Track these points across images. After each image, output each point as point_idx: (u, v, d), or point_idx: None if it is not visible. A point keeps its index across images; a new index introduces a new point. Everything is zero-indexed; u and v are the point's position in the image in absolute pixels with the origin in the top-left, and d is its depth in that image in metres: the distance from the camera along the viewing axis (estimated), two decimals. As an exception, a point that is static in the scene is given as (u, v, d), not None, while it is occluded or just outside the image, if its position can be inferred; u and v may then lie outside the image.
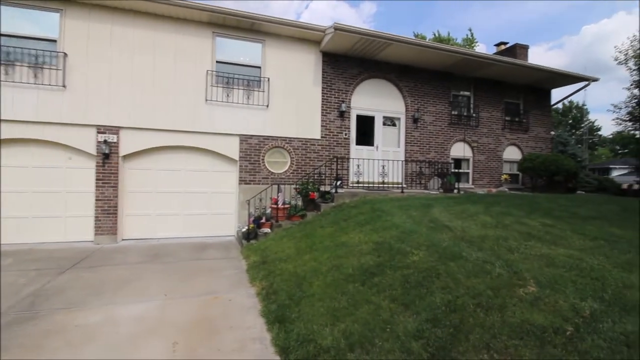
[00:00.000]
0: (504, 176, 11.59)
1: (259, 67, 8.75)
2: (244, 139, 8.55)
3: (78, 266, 5.72)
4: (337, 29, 8.12)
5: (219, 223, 8.50)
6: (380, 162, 9.38)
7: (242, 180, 8.52)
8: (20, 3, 7.09)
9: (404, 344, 2.78)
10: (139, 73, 7.73)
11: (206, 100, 8.20)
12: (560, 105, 33.31)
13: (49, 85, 7.13)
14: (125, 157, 7.73)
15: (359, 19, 65.53)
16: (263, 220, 7.64)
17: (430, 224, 5.36)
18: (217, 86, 8.32)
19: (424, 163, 10.10)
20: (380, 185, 9.09)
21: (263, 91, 8.69)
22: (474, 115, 11.27)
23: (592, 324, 2.58)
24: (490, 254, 4.01)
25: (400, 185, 9.05)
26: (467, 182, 11.16)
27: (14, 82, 6.95)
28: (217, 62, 8.39)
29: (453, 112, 10.94)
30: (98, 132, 7.44)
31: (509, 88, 11.89)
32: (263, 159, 8.71)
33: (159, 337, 3.35)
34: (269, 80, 8.71)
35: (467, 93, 11.40)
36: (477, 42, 28.81)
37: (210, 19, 8.12)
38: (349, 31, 8.26)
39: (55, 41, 7.29)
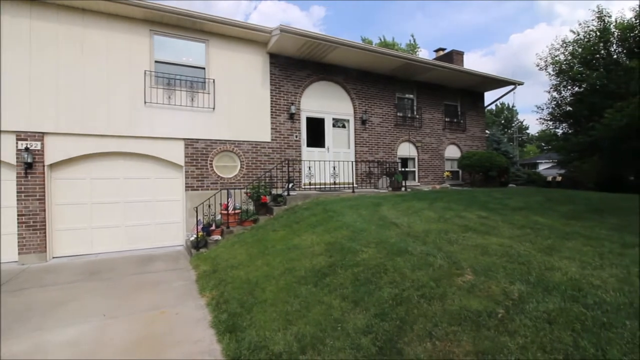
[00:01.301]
0: (446, 173, 12.42)
1: (203, 68, 8.43)
2: (190, 143, 8.17)
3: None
4: (283, 30, 8.11)
5: (166, 233, 8.03)
6: (331, 164, 9.54)
7: (189, 187, 8.13)
8: None
9: (354, 340, 2.84)
10: (66, 73, 7.02)
11: (145, 102, 7.70)
12: (493, 107, 36.64)
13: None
14: (53, 165, 6.98)
15: (309, 22, 66.16)
16: (213, 227, 7.37)
17: (379, 222, 5.56)
18: (157, 87, 7.86)
19: (373, 163, 10.47)
20: (332, 186, 9.24)
21: (208, 93, 8.38)
22: (417, 116, 11.92)
23: (520, 305, 2.85)
24: (433, 247, 4.27)
25: (351, 185, 9.28)
26: (414, 180, 11.78)
27: None
28: (156, 61, 7.92)
29: (399, 114, 11.48)
30: (18, 139, 6.63)
31: (447, 91, 12.78)
32: (211, 164, 8.40)
33: (96, 362, 3.07)
34: (214, 81, 8.42)
35: (410, 96, 12.03)
36: (419, 47, 30.59)
37: (146, 16, 7.64)
38: (295, 33, 8.29)
39: (-41, 36, 6.38)
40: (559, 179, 18.85)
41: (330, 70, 10.11)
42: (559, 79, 18.61)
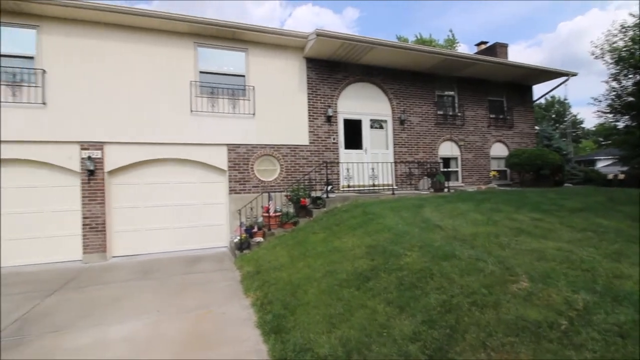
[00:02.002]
0: (493, 173, 11.75)
1: (243, 76, 8.73)
2: (232, 148, 8.49)
3: (66, 287, 5.55)
4: (319, 34, 8.17)
5: (211, 234, 8.39)
6: (369, 165, 9.41)
7: (232, 190, 8.44)
8: None
9: (401, 347, 2.75)
10: (121, 87, 7.62)
11: (191, 111, 8.12)
12: (542, 101, 34.12)
13: (30, 103, 6.98)
14: (111, 172, 7.58)
15: (343, 24, 66.22)
16: (255, 230, 7.57)
17: (422, 225, 5.38)
18: (202, 96, 8.26)
19: (413, 164, 10.18)
20: (371, 188, 9.11)
21: (249, 100, 8.66)
22: (459, 114, 11.42)
23: (586, 317, 2.60)
24: (482, 251, 4.04)
25: (390, 187, 9.10)
26: (457, 180, 11.28)
27: None
28: (200, 72, 8.34)
29: (439, 112, 11.08)
30: (81, 149, 7.30)
31: (491, 86, 12.11)
32: (252, 168, 8.66)
33: (152, 356, 3.26)
34: (254, 88, 8.69)
35: (451, 93, 11.56)
36: (458, 42, 29.35)
37: (191, 30, 8.08)
38: (331, 36, 8.32)
39: (32, 58, 7.16)
40: (621, 177, 17.05)
41: (367, 71, 10.01)
42: (618, 68, 16.88)
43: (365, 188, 9.13)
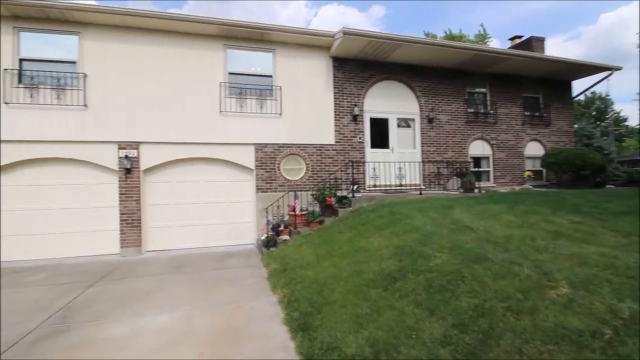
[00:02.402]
0: (527, 173, 11.22)
1: (271, 76, 8.86)
2: (259, 147, 8.64)
3: (105, 279, 5.88)
4: (346, 33, 8.14)
5: (239, 232, 8.59)
6: (396, 165, 9.26)
7: (259, 189, 8.59)
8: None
9: (431, 350, 2.69)
10: (156, 89, 7.97)
11: (220, 111, 8.35)
12: (582, 97, 32.10)
13: (72, 105, 7.45)
14: (146, 171, 7.95)
15: (369, 22, 65.49)
16: (281, 228, 7.66)
17: (451, 226, 5.23)
18: (231, 97, 8.47)
19: (441, 163, 9.92)
20: (397, 188, 8.97)
21: (275, 99, 8.78)
22: (491, 112, 11.00)
23: (633, 326, 2.43)
24: (517, 254, 3.87)
25: (418, 187, 8.92)
26: (488, 180, 10.88)
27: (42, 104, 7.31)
28: (229, 73, 8.55)
29: (469, 110, 10.72)
30: (119, 148, 7.70)
31: (526, 82, 11.56)
32: (279, 167, 8.77)
33: (185, 348, 3.38)
34: (280, 88, 8.79)
35: (482, 90, 11.15)
36: (490, 37, 28.27)
37: (221, 32, 8.30)
38: (358, 35, 8.26)
39: (74, 63, 7.62)
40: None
41: (394, 69, 9.85)
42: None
43: (392, 188, 9.00)
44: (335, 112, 9.25)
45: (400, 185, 8.99)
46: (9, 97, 7.18)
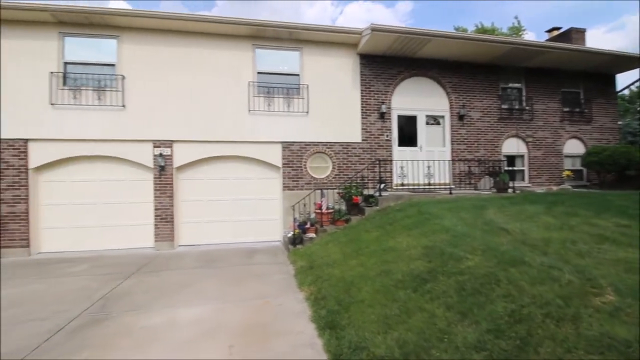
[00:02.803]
0: (566, 172, 10.60)
1: (298, 75, 8.91)
2: (286, 145, 8.73)
3: (141, 271, 6.18)
4: (374, 29, 8.03)
5: (266, 229, 8.74)
6: (425, 163, 9.04)
7: (285, 187, 8.69)
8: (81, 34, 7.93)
9: (464, 355, 2.61)
10: (189, 89, 8.24)
11: (249, 110, 8.51)
12: (627, 92, 29.80)
13: (111, 106, 7.87)
14: (178, 168, 8.25)
15: (395, 18, 64.20)
16: (308, 226, 7.70)
17: (484, 227, 5.04)
18: (259, 96, 8.60)
19: (472, 162, 9.58)
20: (426, 187, 8.76)
21: (302, 98, 8.82)
22: (527, 108, 10.48)
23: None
24: (557, 258, 3.67)
25: (447, 186, 8.66)
26: (523, 180, 10.39)
27: (81, 104, 7.78)
28: (257, 73, 8.68)
29: (503, 106, 10.26)
30: (154, 147, 8.04)
31: (566, 76, 10.91)
32: (305, 165, 8.82)
33: (216, 340, 3.48)
34: (307, 86, 8.82)
35: (517, 85, 10.65)
36: (525, 30, 26.88)
37: (250, 32, 8.44)
38: (387, 31, 8.13)
39: (113, 65, 8.03)
40: None
41: (423, 65, 9.61)
42: None
43: (420, 187, 8.80)
44: (362, 109, 9.16)
45: (429, 184, 8.78)
46: (55, 99, 7.68)
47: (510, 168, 10.09)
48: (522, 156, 10.47)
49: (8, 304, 4.59)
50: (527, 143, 10.42)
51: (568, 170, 10.71)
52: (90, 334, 3.68)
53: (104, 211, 7.99)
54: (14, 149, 7.54)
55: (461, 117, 9.78)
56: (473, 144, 9.87)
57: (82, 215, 7.91)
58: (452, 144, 9.75)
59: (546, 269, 3.37)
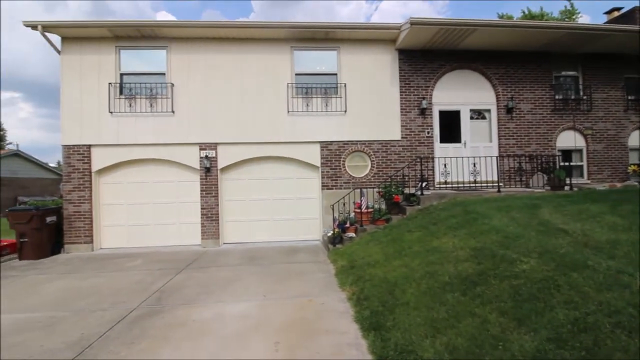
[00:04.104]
0: (632, 167, 9.57)
1: (335, 74, 8.91)
2: (324, 145, 8.76)
3: (190, 267, 6.53)
4: (414, 23, 7.79)
5: (305, 228, 8.85)
6: (469, 160, 8.62)
7: (324, 186, 8.73)
8: (136, 45, 8.53)
9: (522, 365, 2.45)
10: (231, 94, 8.58)
11: (288, 111, 8.65)
12: None
13: (162, 112, 8.39)
14: (222, 169, 8.61)
15: (433, 10, 62.00)
16: (347, 225, 7.67)
17: (539, 227, 4.70)
18: (297, 97, 8.72)
19: (523, 157, 8.97)
20: (471, 185, 8.35)
21: (340, 97, 8.80)
22: (584, 97, 9.61)
23: None
24: (627, 262, 3.32)
25: (495, 184, 8.19)
26: (581, 176, 9.55)
27: (137, 111, 8.38)
28: (296, 74, 8.81)
29: (557, 97, 9.50)
30: (200, 149, 8.46)
31: (630, 61, 9.83)
32: (344, 164, 8.80)
33: (262, 335, 3.58)
34: (345, 85, 8.79)
35: (573, 73, 9.80)
36: (579, 13, 24.66)
37: (287, 35, 8.57)
38: (427, 23, 7.86)
39: (163, 74, 8.55)
40: None
41: (466, 57, 9.16)
42: None
43: (465, 185, 8.40)
44: (401, 106, 8.95)
45: (475, 182, 8.34)
46: (113, 107, 8.34)
47: (566, 163, 9.31)
48: (579, 150, 9.62)
49: (76, 296, 5.07)
50: (585, 136, 9.56)
51: (634, 164, 9.65)
52: (148, 325, 3.95)
53: (156, 210, 8.56)
54: (78, 154, 8.31)
55: (509, 110, 9.20)
56: (523, 139, 9.24)
57: (136, 214, 8.53)
58: (499, 139, 9.21)
59: (614, 274, 3.07)
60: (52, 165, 25.68)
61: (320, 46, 8.88)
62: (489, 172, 8.57)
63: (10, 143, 36.31)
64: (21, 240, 7.57)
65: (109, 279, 5.95)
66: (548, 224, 4.81)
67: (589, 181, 9.43)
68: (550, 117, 9.41)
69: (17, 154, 22.07)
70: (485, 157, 8.60)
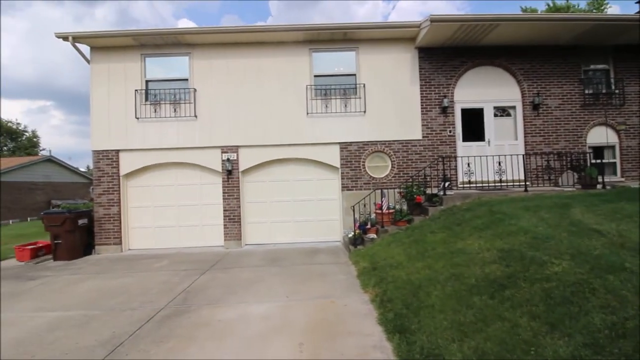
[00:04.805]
0: (671, 163, 9.02)
1: (354, 75, 8.88)
2: (344, 146, 8.75)
3: (214, 268, 6.67)
4: (434, 20, 7.66)
5: (325, 229, 8.85)
6: (494, 159, 8.36)
7: (344, 187, 8.71)
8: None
9: (557, 371, 2.35)
10: (250, 97, 8.71)
11: (307, 113, 8.70)
12: None
13: (185, 117, 8.63)
14: (244, 171, 8.76)
15: (453, 6, 60.73)
16: (368, 226, 7.63)
17: (571, 228, 4.50)
18: (316, 99, 8.75)
19: (551, 155, 8.63)
20: (496, 184, 8.08)
21: (359, 97, 8.76)
22: (616, 91, 9.15)
23: None
24: (670, 265, 3.13)
25: (522, 183, 7.91)
26: (614, 174, 9.08)
27: (162, 117, 8.66)
28: (314, 76, 8.84)
29: (586, 91, 9.09)
30: (222, 152, 8.64)
31: (668, 51, 9.27)
32: (363, 165, 8.75)
33: (286, 336, 3.60)
34: (364, 85, 8.74)
35: (603, 66, 9.35)
36: (607, 3, 23.51)
37: (306, 37, 8.62)
38: (447, 20, 7.71)
39: (186, 80, 8.80)
40: None
41: (489, 53, 8.91)
42: None
43: (489, 184, 8.15)
44: (422, 105, 8.81)
45: (500, 181, 8.06)
46: (139, 113, 8.65)
47: (597, 161, 8.88)
48: (612, 147, 9.16)
49: (107, 295, 5.28)
50: (618, 132, 9.09)
51: (674, 161, 9.09)
52: (175, 324, 4.05)
53: (180, 213, 8.81)
54: (107, 158, 8.67)
55: (536, 107, 8.87)
56: (551, 136, 8.89)
57: (162, 216, 8.81)
58: (525, 137, 8.90)
59: (656, 278, 2.90)
60: (82, 169, 26.90)
61: (339, 47, 8.88)
62: (515, 171, 8.27)
63: (43, 149, 38.41)
64: (55, 241, 7.95)
65: (137, 279, 6.16)
66: (580, 224, 4.60)
67: (622, 179, 8.95)
68: (579, 113, 9.01)
69: (50, 160, 23.28)
70: (511, 155, 8.30)
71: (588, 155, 8.56)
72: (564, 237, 4.17)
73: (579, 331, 2.61)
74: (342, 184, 8.73)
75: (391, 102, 8.78)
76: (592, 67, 9.34)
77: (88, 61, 8.75)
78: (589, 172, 7.62)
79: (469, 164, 8.15)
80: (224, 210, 8.65)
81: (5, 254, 8.69)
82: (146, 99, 8.76)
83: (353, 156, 8.76)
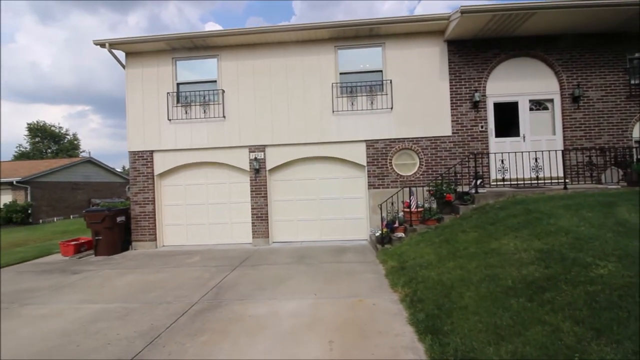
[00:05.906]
0: None
1: (380, 71, 8.75)
2: (370, 144, 8.66)
3: (243, 264, 6.82)
4: (464, 11, 7.38)
5: (352, 227, 8.81)
6: (530, 155, 7.96)
7: (370, 185, 8.62)
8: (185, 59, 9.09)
9: (605, 380, 2.21)
10: (276, 96, 8.82)
11: (333, 111, 8.68)
12: None
13: (214, 118, 8.87)
14: (271, 170, 8.89)
15: (482, -4, 58.32)
16: (396, 225, 7.51)
17: (616, 228, 4.21)
18: (342, 96, 8.71)
19: (593, 151, 8.10)
20: (532, 182, 7.70)
21: (386, 94, 8.63)
22: (667, 80, 8.42)
23: None
24: None
25: (560, 181, 7.49)
26: (665, 170, 8.38)
27: (192, 118, 8.95)
28: (340, 73, 8.80)
29: (632, 82, 8.44)
30: (250, 152, 8.82)
31: None
32: (390, 163, 8.62)
33: (315, 334, 3.62)
34: (391, 82, 8.60)
35: (653, 53, 8.63)
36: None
37: (331, 35, 8.59)
38: (479, 11, 7.40)
39: (215, 82, 9.04)
40: None
41: (524, 43, 8.48)
42: None
43: (525, 182, 7.78)
44: (451, 100, 8.54)
45: (537, 178, 7.66)
46: (171, 115, 8.99)
47: (646, 156, 8.23)
48: (663, 141, 8.46)
49: (144, 289, 5.54)
50: (670, 124, 8.38)
51: None
52: (208, 319, 4.19)
53: (210, 211, 9.09)
54: (142, 159, 9.08)
55: (576, 99, 8.36)
56: (593, 130, 8.35)
57: (194, 214, 9.13)
58: (564, 131, 8.41)
59: None
60: (118, 170, 28.38)
61: (365, 43, 8.78)
62: (553, 168, 7.85)
63: (83, 151, 40.93)
64: (96, 238, 8.45)
65: (171, 274, 6.42)
66: (627, 223, 4.29)
67: (676, 175, 8.24)
68: (624, 105, 8.39)
69: (89, 161, 24.76)
70: (549, 151, 7.87)
71: (634, 150, 7.95)
72: (610, 238, 3.90)
73: (628, 337, 2.44)
74: (368, 182, 8.65)
75: (419, 98, 8.58)
76: (637, 55, 8.66)
77: (123, 66, 9.19)
78: (636, 169, 7.08)
79: (502, 161, 7.82)
80: (252, 209, 8.83)
81: (50, 249, 9.41)
82: (177, 101, 9.09)
83: (380, 154, 8.64)
